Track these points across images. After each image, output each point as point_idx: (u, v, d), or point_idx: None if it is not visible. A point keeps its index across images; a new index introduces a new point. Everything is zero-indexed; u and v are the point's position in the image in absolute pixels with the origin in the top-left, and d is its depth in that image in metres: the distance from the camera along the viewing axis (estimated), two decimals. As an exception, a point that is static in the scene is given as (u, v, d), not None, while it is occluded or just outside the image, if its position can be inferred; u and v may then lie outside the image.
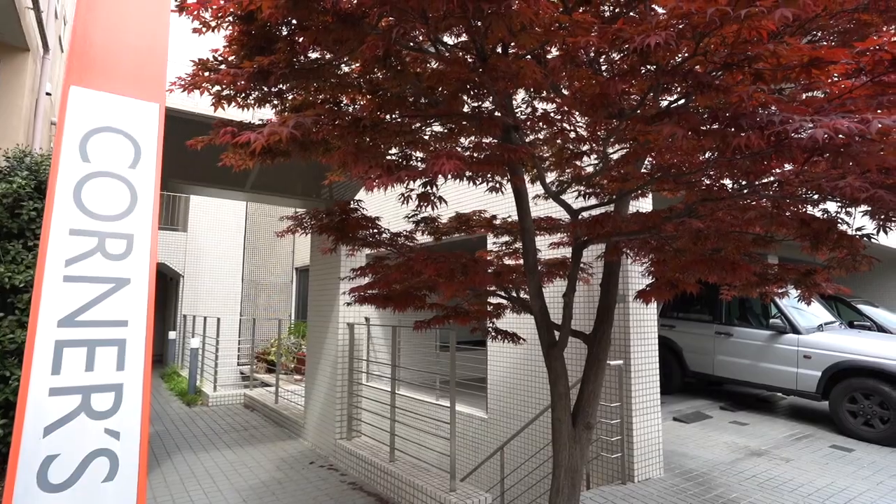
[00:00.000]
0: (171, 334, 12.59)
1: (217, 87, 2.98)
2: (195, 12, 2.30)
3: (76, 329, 1.63)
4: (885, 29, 2.77)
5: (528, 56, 2.67)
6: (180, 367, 11.79)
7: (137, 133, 1.88)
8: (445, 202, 2.73)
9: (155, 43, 2.07)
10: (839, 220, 2.82)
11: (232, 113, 3.30)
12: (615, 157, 3.05)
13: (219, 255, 13.14)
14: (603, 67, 2.78)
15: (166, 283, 15.14)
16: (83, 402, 1.60)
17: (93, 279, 1.69)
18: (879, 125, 1.42)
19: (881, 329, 7.83)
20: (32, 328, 1.58)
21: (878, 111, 1.92)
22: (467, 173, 2.57)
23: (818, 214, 2.91)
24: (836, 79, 2.19)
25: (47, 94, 6.59)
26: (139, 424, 1.64)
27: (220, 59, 3.09)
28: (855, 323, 8.08)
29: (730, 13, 1.67)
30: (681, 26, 1.85)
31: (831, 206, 2.96)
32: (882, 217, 2.57)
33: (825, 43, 2.95)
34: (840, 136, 1.44)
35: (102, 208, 1.76)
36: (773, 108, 2.12)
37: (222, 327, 10.60)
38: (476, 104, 3.00)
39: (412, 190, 2.60)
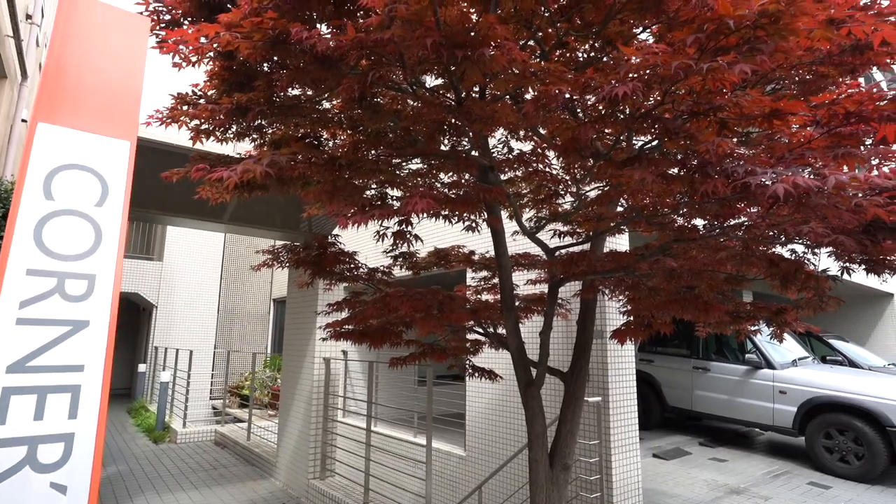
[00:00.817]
0: (141, 367, 12.16)
1: (195, 122, 2.98)
2: (173, 51, 2.31)
3: (26, 375, 1.54)
4: (840, 80, 2.92)
5: (507, 96, 2.74)
6: (149, 401, 11.34)
7: (106, 171, 1.85)
8: (421, 240, 2.73)
9: (130, 80, 2.07)
10: (806, 262, 2.90)
11: (211, 145, 3.28)
12: (592, 194, 3.10)
13: (194, 284, 12.85)
14: (578, 110, 2.86)
15: (138, 314, 14.72)
16: (29, 453, 1.50)
17: (48, 322, 1.62)
18: (835, 181, 1.47)
19: (852, 364, 7.97)
20: (-20, 373, 1.49)
21: (837, 160, 2.00)
22: (443, 212, 2.58)
23: (787, 254, 2.99)
24: (796, 128, 2.29)
25: (23, 120, 6.50)
26: (89, 477, 1.54)
27: (199, 93, 3.09)
28: (827, 358, 8.22)
29: (693, 66, 1.74)
30: (647, 76, 1.92)
31: (799, 248, 3.05)
32: (845, 259, 2.66)
33: (787, 91, 3.09)
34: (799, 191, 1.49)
35: (64, 247, 1.71)
36: (738, 155, 2.20)
37: (195, 359, 10.28)
38: (455, 140, 3.05)
39: (387, 228, 2.60)
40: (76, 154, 1.78)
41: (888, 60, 2.34)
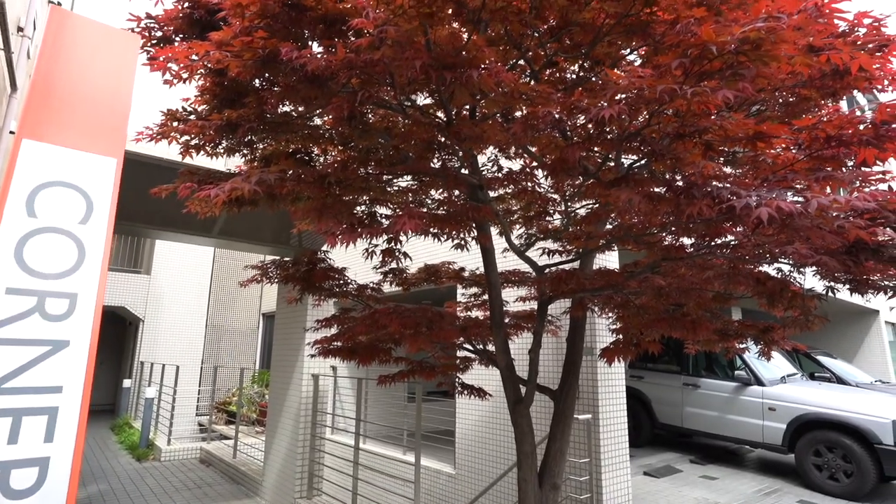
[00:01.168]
0: (126, 382, 11.94)
1: (186, 137, 2.97)
2: (163, 68, 2.31)
3: (1, 397, 1.50)
4: (822, 102, 2.99)
5: (497, 115, 2.76)
6: (133, 417, 11.12)
7: (91, 188, 1.84)
8: (410, 258, 2.72)
9: (118, 97, 2.06)
10: (792, 280, 2.93)
11: (201, 160, 3.27)
12: (581, 212, 3.12)
13: (182, 298, 12.70)
14: (567, 130, 2.90)
15: (124, 328, 14.50)
16: (0, 479, 1.45)
17: (27, 342, 1.58)
18: (817, 203, 1.50)
19: (840, 380, 8.03)
20: (-45, 393, 1.45)
21: (819, 182, 2.04)
22: (432, 230, 2.58)
23: (773, 273, 3.02)
24: (779, 150, 2.33)
25: (11, 132, 6.45)
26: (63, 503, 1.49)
27: (190, 108, 3.09)
28: (815, 374, 8.27)
29: (677, 91, 1.77)
30: (633, 99, 1.95)
31: (785, 266, 3.08)
32: (829, 279, 2.69)
33: (771, 113, 3.15)
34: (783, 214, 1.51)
35: (45, 266, 1.68)
36: (724, 175, 2.23)
37: (182, 375, 10.12)
38: (445, 158, 3.06)
39: (376, 246, 2.59)
40: (61, 171, 1.77)
41: (867, 85, 2.40)
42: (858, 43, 1.87)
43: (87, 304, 1.71)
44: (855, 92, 2.79)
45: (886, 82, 2.59)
